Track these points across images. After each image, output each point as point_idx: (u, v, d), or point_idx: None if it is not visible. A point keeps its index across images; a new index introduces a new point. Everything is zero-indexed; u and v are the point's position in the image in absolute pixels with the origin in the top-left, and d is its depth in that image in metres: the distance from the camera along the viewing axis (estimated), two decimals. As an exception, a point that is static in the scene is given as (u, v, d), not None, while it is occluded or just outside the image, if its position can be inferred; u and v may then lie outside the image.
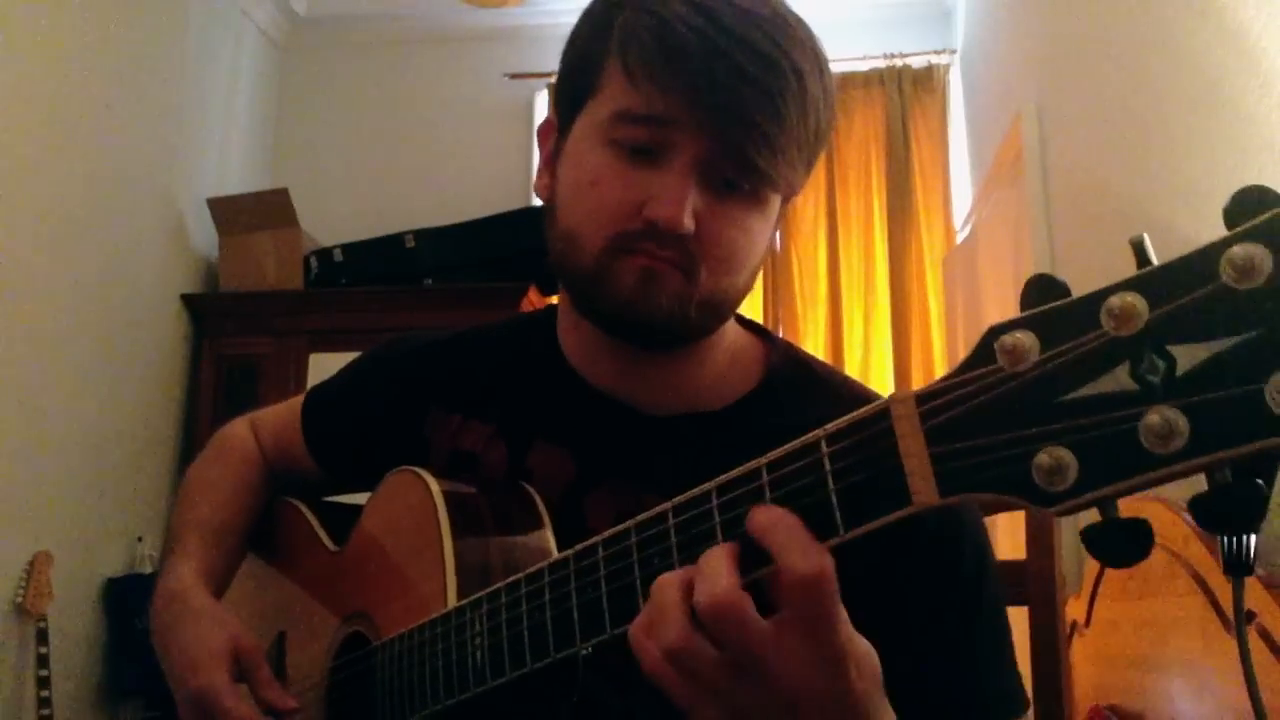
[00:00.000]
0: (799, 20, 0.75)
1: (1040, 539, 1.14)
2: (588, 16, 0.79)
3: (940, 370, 3.28)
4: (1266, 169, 1.44)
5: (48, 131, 2.59)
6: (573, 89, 0.79)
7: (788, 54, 0.71)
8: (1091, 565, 1.94)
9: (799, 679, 0.50)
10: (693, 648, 0.51)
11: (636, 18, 0.72)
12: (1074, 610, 1.97)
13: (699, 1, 0.71)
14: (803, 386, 0.84)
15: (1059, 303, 0.40)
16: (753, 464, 0.53)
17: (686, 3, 0.71)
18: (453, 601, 0.72)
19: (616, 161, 0.74)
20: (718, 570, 0.51)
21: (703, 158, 0.72)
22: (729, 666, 0.51)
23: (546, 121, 0.84)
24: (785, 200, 0.80)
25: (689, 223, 0.71)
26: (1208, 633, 1.44)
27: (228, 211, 3.21)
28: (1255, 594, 1.26)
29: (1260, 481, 0.35)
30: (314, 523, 0.99)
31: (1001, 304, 2.77)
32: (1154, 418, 0.36)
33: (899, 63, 3.51)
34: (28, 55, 2.51)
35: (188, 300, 3.18)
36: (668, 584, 0.53)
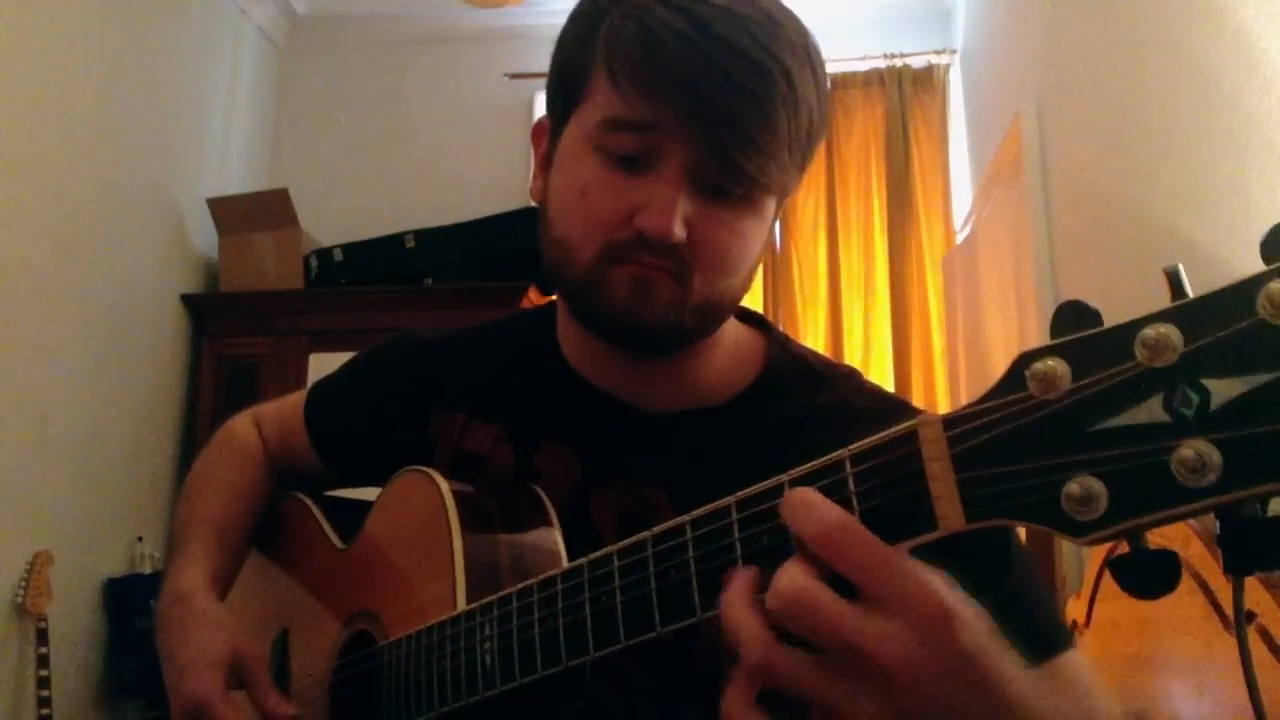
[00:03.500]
0: (789, 17, 0.74)
1: (1040, 539, 1.14)
2: (574, 21, 0.78)
3: (940, 370, 3.29)
4: (1267, 169, 1.44)
5: (47, 131, 2.58)
6: (562, 94, 0.78)
7: (776, 56, 0.69)
8: (1092, 565, 1.94)
9: (922, 677, 0.44)
10: (780, 660, 0.46)
11: (622, 24, 0.71)
12: (1074, 610, 1.97)
13: (684, 6, 0.69)
14: (801, 379, 0.84)
15: (1091, 331, 0.40)
16: (774, 480, 0.52)
17: (672, 7, 0.70)
18: (462, 602, 0.72)
19: (605, 169, 0.73)
20: (783, 573, 0.47)
21: (692, 164, 0.71)
22: (828, 668, 0.46)
23: (539, 124, 0.84)
24: (780, 200, 0.79)
25: (680, 231, 0.70)
26: (1208, 633, 1.44)
27: (228, 211, 3.21)
28: (1255, 594, 1.26)
29: (1289, 517, 0.36)
30: (320, 519, 0.99)
31: (1002, 304, 2.77)
32: (1187, 450, 0.36)
33: (899, 63, 3.50)
34: (27, 55, 2.50)
35: (188, 300, 3.17)
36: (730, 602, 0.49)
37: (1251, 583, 1.27)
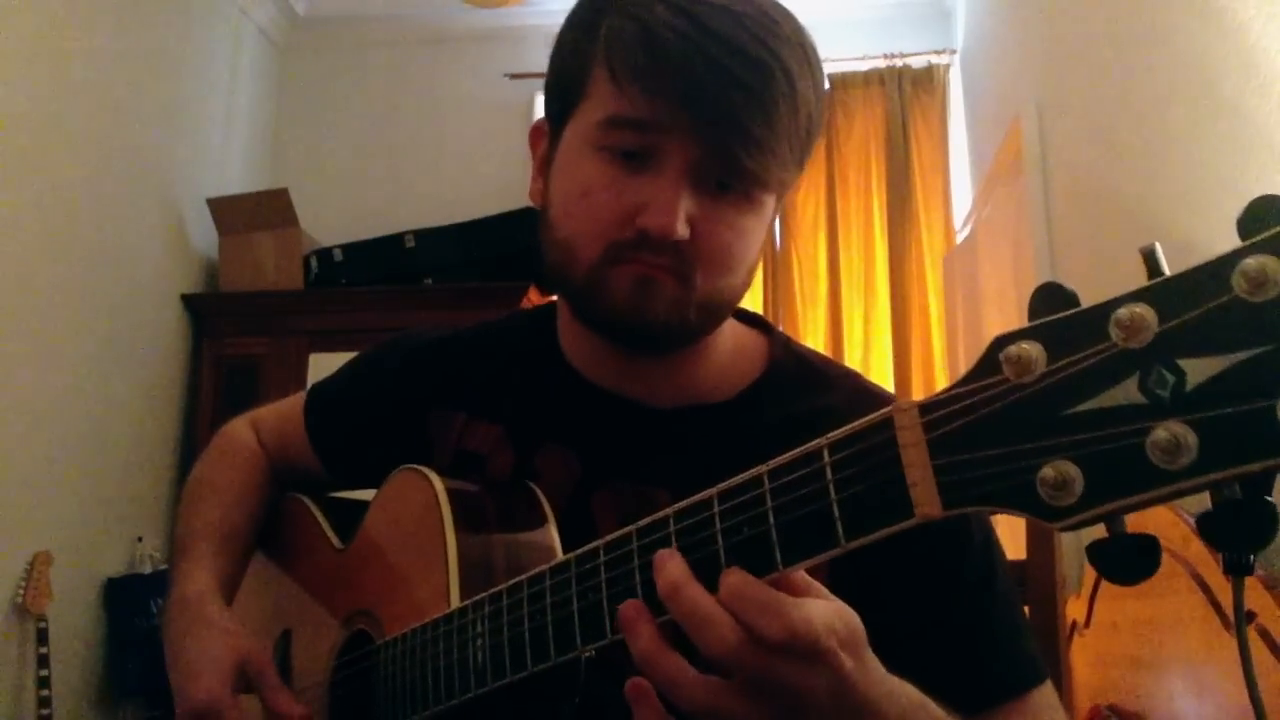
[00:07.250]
0: (786, 15, 0.74)
1: (1040, 539, 1.14)
2: (572, 23, 0.79)
3: (940, 370, 3.28)
4: (1266, 169, 1.44)
5: (48, 131, 2.58)
6: (561, 96, 0.78)
7: (775, 53, 0.70)
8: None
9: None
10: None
11: (621, 23, 0.72)
12: (1074, 610, 1.97)
13: (683, 5, 0.70)
14: (803, 379, 0.84)
15: (1066, 313, 0.39)
16: (754, 471, 0.52)
17: (671, 6, 0.70)
18: (455, 601, 0.72)
19: (607, 169, 0.73)
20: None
21: (693, 162, 0.71)
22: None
23: (537, 126, 0.84)
24: (780, 197, 0.80)
25: (682, 229, 0.71)
26: (1208, 633, 1.43)
27: (228, 211, 3.21)
28: (1255, 594, 1.26)
29: (1270, 499, 0.35)
30: (320, 520, 0.99)
31: (1002, 304, 2.76)
32: (1162, 433, 0.35)
33: (899, 63, 3.50)
34: (28, 55, 2.50)
35: (188, 300, 3.17)
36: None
37: (1251, 583, 1.27)
